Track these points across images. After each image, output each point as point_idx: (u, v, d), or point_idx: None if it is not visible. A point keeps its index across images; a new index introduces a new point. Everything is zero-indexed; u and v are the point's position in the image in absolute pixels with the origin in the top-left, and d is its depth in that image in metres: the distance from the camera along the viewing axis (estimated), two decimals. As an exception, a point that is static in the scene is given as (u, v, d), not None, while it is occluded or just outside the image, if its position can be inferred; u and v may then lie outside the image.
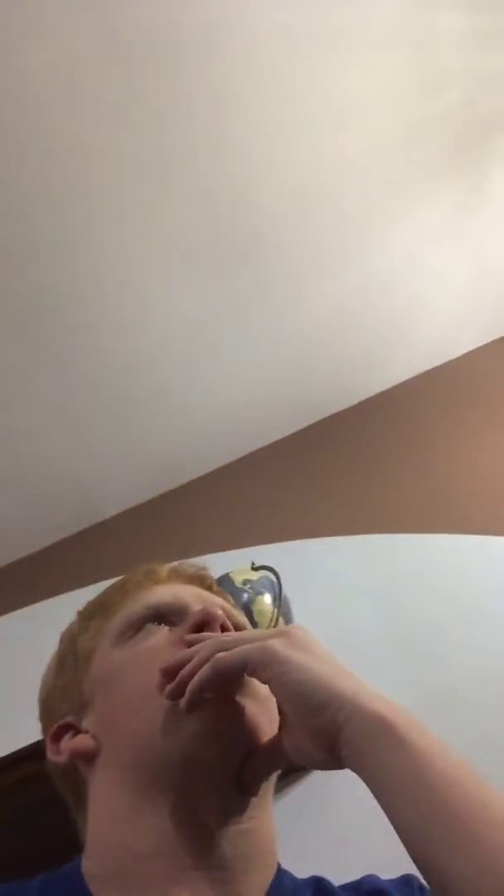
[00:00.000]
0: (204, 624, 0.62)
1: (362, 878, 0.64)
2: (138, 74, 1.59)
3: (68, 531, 2.12)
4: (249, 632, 0.60)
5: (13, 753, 1.15)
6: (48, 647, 0.73)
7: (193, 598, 0.68)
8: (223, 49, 1.59)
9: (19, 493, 2.07)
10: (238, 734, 0.56)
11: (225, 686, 0.56)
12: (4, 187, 1.68)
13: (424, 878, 0.45)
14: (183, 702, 0.55)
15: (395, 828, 0.47)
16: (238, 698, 0.57)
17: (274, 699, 0.59)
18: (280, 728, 0.56)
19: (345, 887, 0.62)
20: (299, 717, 0.52)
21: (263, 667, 0.53)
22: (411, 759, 0.47)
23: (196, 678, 0.55)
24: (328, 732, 0.50)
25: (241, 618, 0.70)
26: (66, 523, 2.12)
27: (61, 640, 0.72)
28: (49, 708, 0.68)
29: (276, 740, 0.56)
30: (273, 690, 0.53)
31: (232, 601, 0.77)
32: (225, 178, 1.76)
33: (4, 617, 1.90)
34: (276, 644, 0.54)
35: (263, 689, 0.59)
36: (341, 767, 0.51)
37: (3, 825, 1.19)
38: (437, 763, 0.47)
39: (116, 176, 1.71)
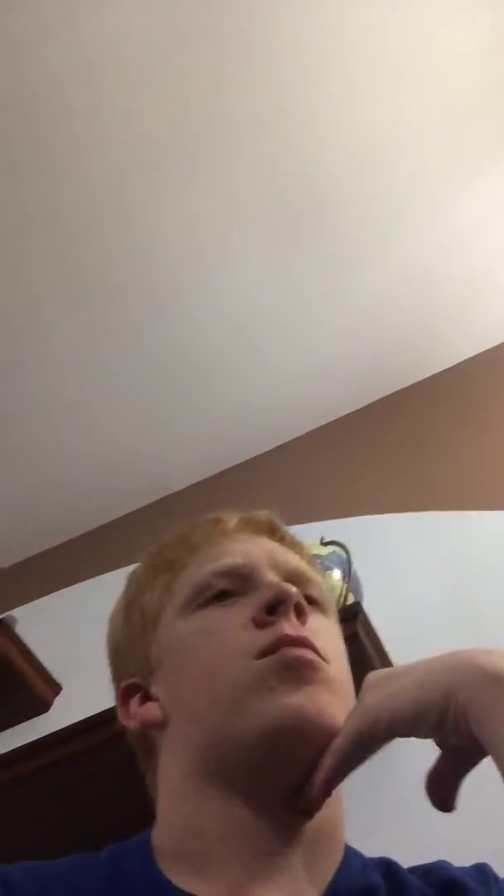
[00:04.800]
0: (276, 604, 0.58)
1: (433, 865, 0.61)
2: (199, 43, 1.58)
3: (138, 503, 2.15)
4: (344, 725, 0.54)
5: (97, 715, 1.19)
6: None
7: (265, 559, 0.63)
8: (285, 11, 1.57)
9: (89, 465, 2.12)
10: (312, 730, 0.53)
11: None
12: (67, 163, 1.70)
13: None
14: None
15: None
16: (309, 689, 0.55)
17: (344, 692, 0.58)
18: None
19: (414, 870, 0.59)
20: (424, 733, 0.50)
21: (372, 732, 0.51)
22: None
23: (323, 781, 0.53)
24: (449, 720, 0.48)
25: (315, 576, 0.67)
26: (135, 495, 2.15)
27: (129, 583, 0.69)
28: (118, 658, 0.67)
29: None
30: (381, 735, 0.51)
31: (306, 550, 0.71)
32: (287, 144, 1.74)
33: (78, 585, 1.96)
34: (362, 703, 0.52)
35: (338, 673, 0.58)
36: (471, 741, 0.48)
37: (83, 788, 1.23)
38: None
39: (178, 147, 1.71)
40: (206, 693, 0.57)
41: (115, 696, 0.66)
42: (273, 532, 0.69)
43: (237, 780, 0.55)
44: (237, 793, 0.55)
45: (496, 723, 0.46)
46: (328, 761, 0.52)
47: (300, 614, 0.58)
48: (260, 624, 0.57)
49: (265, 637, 0.56)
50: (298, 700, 0.54)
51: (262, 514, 0.71)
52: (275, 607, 0.58)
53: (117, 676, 0.66)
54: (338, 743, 0.52)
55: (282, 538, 0.69)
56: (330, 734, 0.53)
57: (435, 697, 0.48)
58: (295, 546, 0.70)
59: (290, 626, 0.57)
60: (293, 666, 0.55)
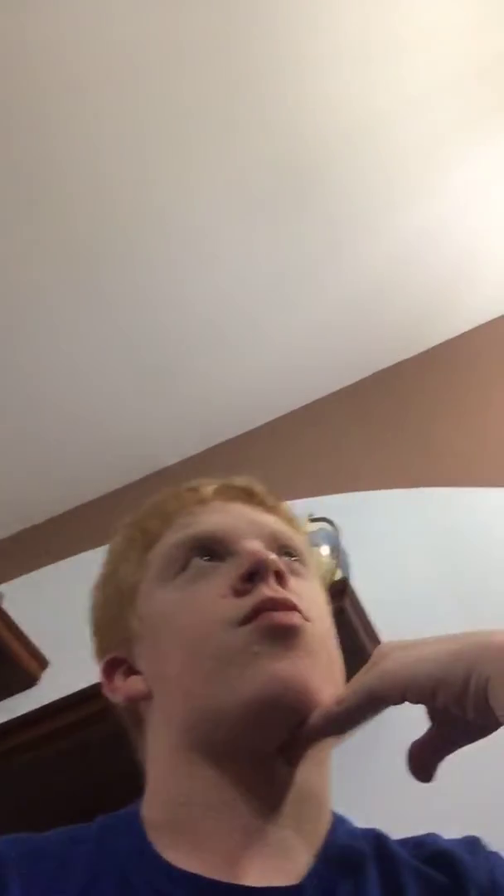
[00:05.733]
0: (255, 572, 0.57)
1: (423, 837, 0.60)
2: (194, 9, 1.55)
3: (126, 479, 2.14)
4: (350, 685, 0.53)
5: (84, 690, 1.20)
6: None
7: (244, 525, 0.62)
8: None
9: (77, 441, 2.11)
10: (296, 700, 0.53)
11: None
12: (58, 136, 1.68)
13: None
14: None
15: None
16: (292, 655, 0.54)
17: (328, 651, 0.57)
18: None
19: (404, 843, 0.59)
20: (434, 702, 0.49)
21: (386, 693, 0.50)
22: None
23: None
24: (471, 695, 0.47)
25: (295, 536, 0.65)
26: (124, 471, 2.14)
27: (107, 556, 0.69)
28: (100, 632, 0.67)
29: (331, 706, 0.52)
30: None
31: (286, 511, 0.69)
32: (284, 114, 1.71)
33: (65, 560, 1.96)
34: (379, 667, 0.51)
35: (322, 632, 0.57)
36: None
37: (70, 762, 1.24)
38: None
39: (171, 116, 1.68)
40: (189, 666, 0.56)
41: (99, 671, 0.65)
42: (250, 498, 0.67)
43: (221, 746, 0.55)
44: (221, 758, 0.55)
45: None
46: (332, 705, 0.52)
47: (280, 578, 0.57)
48: (240, 593, 0.56)
49: (246, 604, 0.55)
50: (282, 667, 0.53)
51: (240, 480, 0.69)
52: (253, 575, 0.57)
53: (100, 651, 0.66)
54: (345, 695, 0.52)
55: (260, 503, 0.67)
56: (313, 705, 0.53)
57: (458, 669, 0.48)
58: (274, 508, 0.67)
59: (269, 590, 0.56)
60: (276, 630, 0.54)
